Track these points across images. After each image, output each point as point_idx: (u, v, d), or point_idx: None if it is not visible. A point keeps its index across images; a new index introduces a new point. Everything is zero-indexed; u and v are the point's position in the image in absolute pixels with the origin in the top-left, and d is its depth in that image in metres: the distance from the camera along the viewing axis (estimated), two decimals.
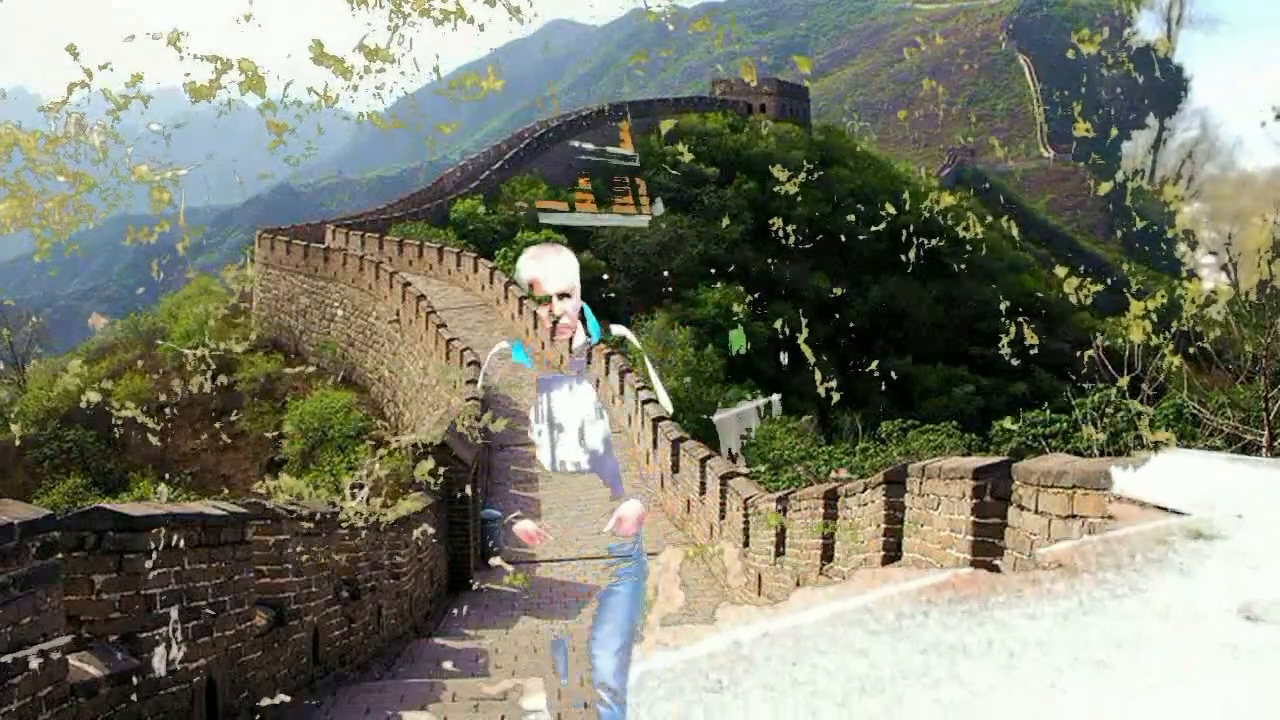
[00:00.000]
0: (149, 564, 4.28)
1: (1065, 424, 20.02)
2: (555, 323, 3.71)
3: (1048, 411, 14.60)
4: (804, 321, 7.16)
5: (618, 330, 3.96)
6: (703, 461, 14.44)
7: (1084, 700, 2.80)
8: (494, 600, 12.54)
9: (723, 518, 13.09)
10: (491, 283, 31.70)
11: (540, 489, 16.68)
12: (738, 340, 7.45)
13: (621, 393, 20.42)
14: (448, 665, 8.48)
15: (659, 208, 51.44)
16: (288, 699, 5.63)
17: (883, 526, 6.79)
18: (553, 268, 3.71)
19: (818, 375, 6.47)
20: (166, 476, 27.64)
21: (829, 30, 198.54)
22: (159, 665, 4.40)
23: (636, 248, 50.42)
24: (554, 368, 3.85)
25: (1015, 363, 7.46)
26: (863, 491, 7.47)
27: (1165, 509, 3.60)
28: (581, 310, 3.74)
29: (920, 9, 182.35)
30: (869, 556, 7.05)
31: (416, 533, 9.69)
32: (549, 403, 3.79)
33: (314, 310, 36.85)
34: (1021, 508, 4.79)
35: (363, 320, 33.52)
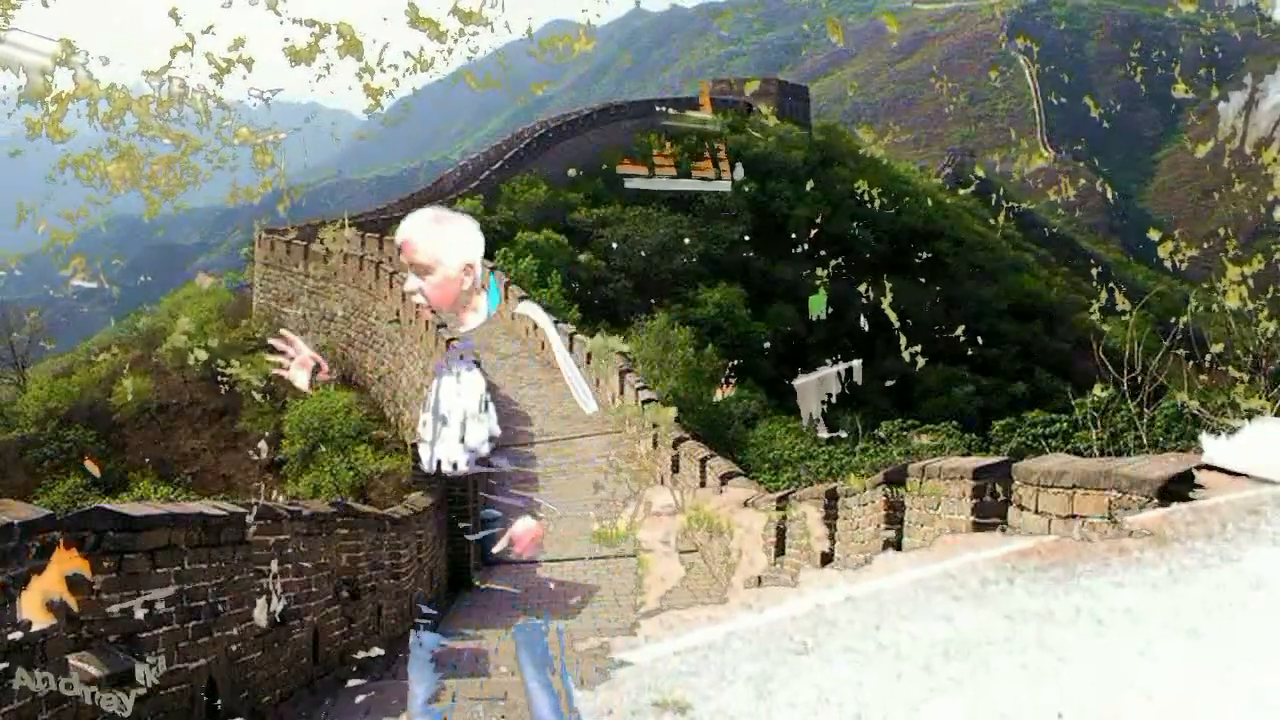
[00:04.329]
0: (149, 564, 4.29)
1: (1065, 424, 20.06)
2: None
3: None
4: (888, 286, 7.09)
5: (524, 308, 3.43)
6: (703, 462, 14.43)
7: (1175, 668, 2.80)
8: (494, 600, 12.54)
9: None
10: None
11: (540, 489, 16.68)
12: (817, 304, 7.52)
13: (621, 393, 20.39)
14: (448, 665, 8.47)
15: (740, 172, 48.94)
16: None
17: (883, 527, 6.79)
18: (422, 235, 3.16)
19: (903, 339, 6.41)
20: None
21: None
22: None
23: (636, 248, 50.31)
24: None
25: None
26: (863, 491, 7.48)
27: (1257, 478, 3.56)
28: (482, 280, 3.26)
29: (920, 9, 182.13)
30: (868, 556, 7.05)
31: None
32: (436, 394, 3.36)
33: (314, 310, 36.84)
34: (1021, 508, 4.79)
35: (363, 320, 33.51)
